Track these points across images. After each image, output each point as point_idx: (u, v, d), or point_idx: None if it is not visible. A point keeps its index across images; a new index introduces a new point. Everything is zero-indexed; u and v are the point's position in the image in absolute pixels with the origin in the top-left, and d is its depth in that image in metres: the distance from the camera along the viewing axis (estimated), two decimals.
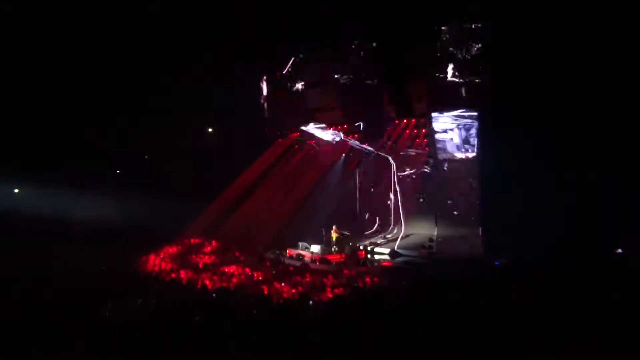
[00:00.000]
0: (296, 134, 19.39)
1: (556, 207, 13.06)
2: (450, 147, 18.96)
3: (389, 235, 20.00)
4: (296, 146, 20.51)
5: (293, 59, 16.21)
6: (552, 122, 13.02)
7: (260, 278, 12.74)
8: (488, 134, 15.14)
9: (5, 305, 6.88)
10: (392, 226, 21.46)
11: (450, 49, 13.37)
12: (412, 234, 19.59)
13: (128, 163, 20.43)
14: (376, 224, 21.66)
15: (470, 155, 19.25)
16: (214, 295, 9.14)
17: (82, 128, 16.43)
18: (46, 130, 15.69)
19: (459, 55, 13.36)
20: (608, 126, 12.24)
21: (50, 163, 16.15)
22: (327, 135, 19.52)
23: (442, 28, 13.38)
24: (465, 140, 17.80)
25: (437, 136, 17.87)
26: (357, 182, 24.17)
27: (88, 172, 17.45)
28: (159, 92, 16.99)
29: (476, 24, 13.05)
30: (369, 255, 16.50)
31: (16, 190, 17.42)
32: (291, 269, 14.19)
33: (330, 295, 9.76)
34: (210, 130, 20.11)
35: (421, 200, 20.95)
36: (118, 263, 13.66)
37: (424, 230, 19.38)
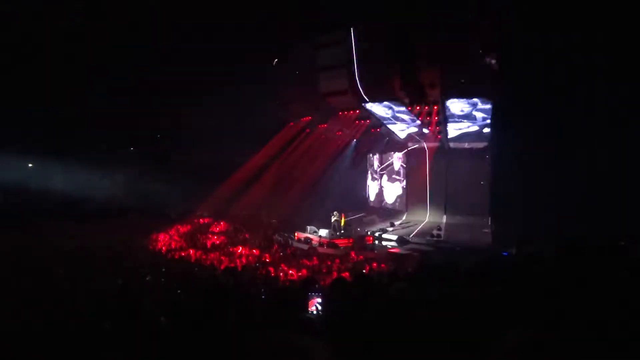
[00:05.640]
0: (307, 118, 19.27)
1: (564, 199, 13.06)
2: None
3: (398, 222, 20.00)
4: (307, 130, 20.42)
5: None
6: (561, 116, 12.94)
7: (267, 260, 12.91)
8: (501, 126, 14.98)
9: (16, 283, 7.07)
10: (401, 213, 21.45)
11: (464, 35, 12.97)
12: (420, 222, 19.56)
13: (141, 142, 20.65)
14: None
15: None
16: (221, 274, 9.29)
17: (98, 107, 16.51)
18: (61, 108, 15.83)
19: (474, 42, 12.98)
20: (613, 122, 12.14)
21: (63, 140, 16.37)
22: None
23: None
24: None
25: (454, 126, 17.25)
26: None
27: (101, 151, 17.68)
28: (173, 73, 16.93)
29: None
30: (376, 242, 16.57)
31: (30, 165, 17.76)
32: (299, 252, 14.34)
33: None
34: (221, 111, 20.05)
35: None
36: (129, 241, 13.96)
37: (432, 218, 19.33)
